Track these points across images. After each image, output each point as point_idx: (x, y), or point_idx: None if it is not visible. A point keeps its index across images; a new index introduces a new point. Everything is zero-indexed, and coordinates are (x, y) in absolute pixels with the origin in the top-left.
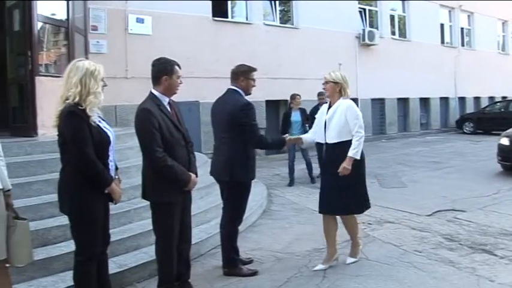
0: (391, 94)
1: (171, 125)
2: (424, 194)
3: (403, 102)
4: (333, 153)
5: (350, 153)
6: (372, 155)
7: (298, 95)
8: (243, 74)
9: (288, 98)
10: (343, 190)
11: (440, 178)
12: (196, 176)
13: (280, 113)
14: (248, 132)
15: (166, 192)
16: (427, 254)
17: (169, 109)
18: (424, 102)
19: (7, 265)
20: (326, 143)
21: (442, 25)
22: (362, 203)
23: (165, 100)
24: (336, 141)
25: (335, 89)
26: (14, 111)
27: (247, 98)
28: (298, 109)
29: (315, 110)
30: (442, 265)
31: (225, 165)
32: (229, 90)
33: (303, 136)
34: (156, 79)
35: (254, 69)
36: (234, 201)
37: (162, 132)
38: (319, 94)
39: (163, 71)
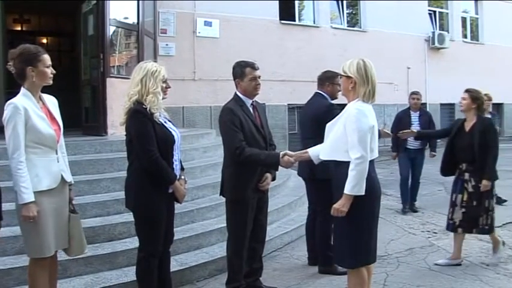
0: None
1: (252, 125)
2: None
3: None
4: (334, 174)
5: (346, 189)
6: (439, 161)
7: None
8: (328, 80)
9: None
10: (337, 232)
11: None
12: (274, 179)
13: None
14: None
15: (241, 189)
16: (495, 268)
17: (251, 110)
18: (497, 107)
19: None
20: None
21: None
22: (355, 256)
23: (248, 102)
24: (328, 158)
25: (347, 86)
26: (86, 111)
27: None
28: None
29: (403, 115)
30: (511, 280)
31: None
32: (315, 93)
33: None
34: (234, 82)
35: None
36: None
37: (243, 131)
38: (412, 93)
39: (235, 74)
